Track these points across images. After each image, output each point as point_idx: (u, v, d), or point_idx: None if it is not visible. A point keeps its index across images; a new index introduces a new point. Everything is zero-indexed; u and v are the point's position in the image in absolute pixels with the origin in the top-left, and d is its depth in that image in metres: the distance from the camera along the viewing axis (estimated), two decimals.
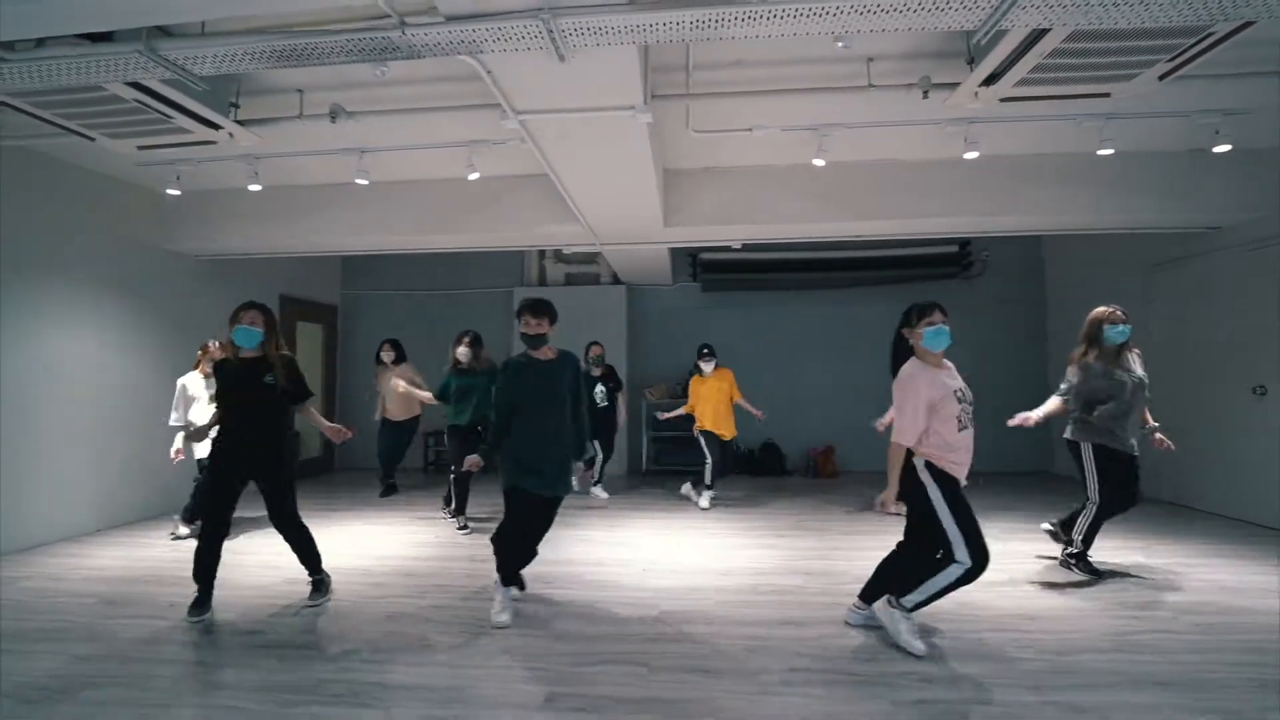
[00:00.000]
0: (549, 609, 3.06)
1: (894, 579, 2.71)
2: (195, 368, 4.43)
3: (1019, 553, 3.85)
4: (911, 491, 2.59)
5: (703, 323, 7.44)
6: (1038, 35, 2.59)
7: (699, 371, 5.48)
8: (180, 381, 4.39)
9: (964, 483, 2.59)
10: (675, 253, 6.89)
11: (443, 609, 3.07)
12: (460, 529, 4.62)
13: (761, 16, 2.16)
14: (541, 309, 2.93)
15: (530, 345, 2.95)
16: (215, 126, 3.40)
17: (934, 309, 2.62)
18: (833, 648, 2.63)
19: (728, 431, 5.45)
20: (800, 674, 2.41)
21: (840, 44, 2.65)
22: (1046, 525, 3.74)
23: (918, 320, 2.63)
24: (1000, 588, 3.25)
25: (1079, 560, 3.47)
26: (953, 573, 2.52)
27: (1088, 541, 3.45)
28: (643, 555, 3.98)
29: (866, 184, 4.75)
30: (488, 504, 5.27)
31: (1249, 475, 4.65)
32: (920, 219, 4.82)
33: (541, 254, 7.85)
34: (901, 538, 2.77)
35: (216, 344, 4.30)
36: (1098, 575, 3.43)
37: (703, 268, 7.31)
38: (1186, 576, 3.45)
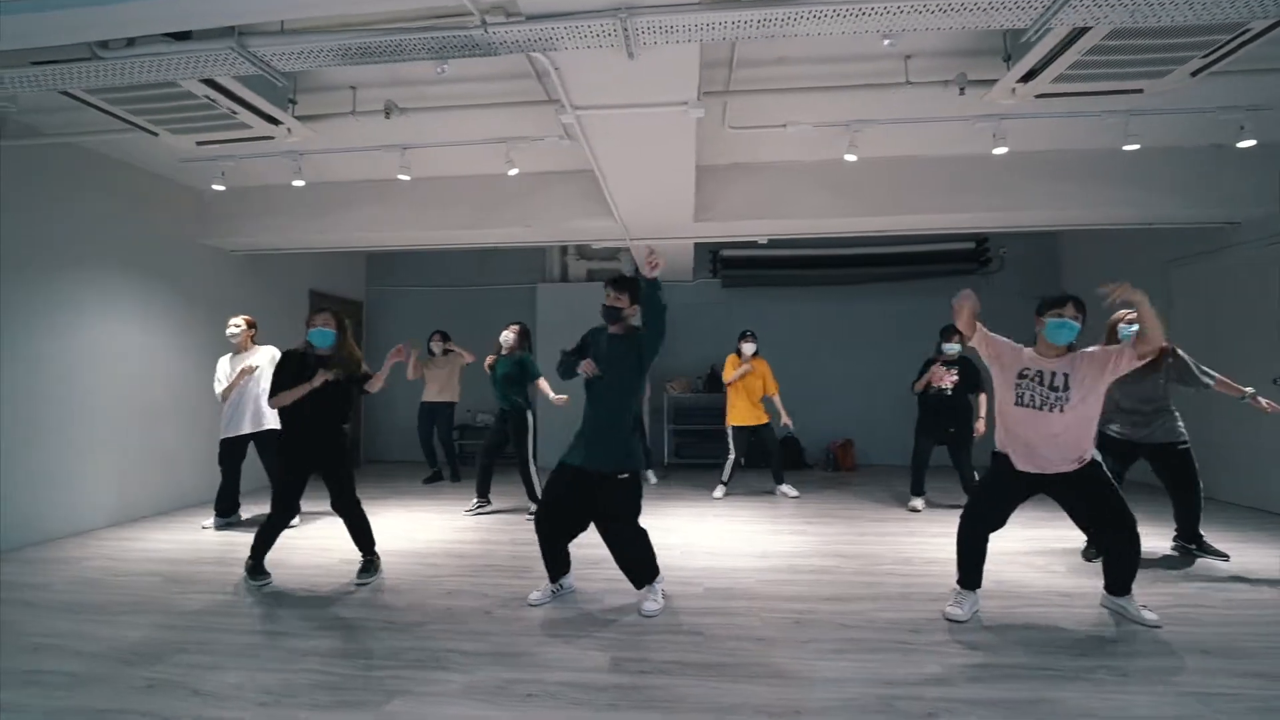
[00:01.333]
0: (598, 587, 3.16)
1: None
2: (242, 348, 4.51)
3: (1050, 537, 3.96)
4: None
5: (723, 318, 7.55)
6: (1078, 32, 2.70)
7: (739, 352, 5.55)
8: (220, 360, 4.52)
9: (1028, 470, 2.62)
10: (696, 249, 7.00)
11: (498, 586, 3.19)
12: (469, 510, 4.89)
13: (822, 15, 2.27)
14: (623, 284, 2.88)
15: (606, 318, 2.90)
16: (275, 122, 3.52)
17: (1068, 302, 2.54)
18: (879, 620, 2.74)
19: (763, 417, 5.54)
20: (850, 643, 2.52)
21: (887, 42, 2.76)
22: (1170, 547, 3.73)
23: (1047, 310, 2.58)
24: (1036, 571, 3.37)
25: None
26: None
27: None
28: (679, 539, 4.08)
29: (891, 179, 4.84)
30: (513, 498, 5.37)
31: (1268, 465, 4.75)
32: (943, 214, 4.91)
33: (564, 250, 7.97)
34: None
35: (244, 324, 4.46)
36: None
37: (723, 264, 7.42)
38: (1211, 560, 3.56)
